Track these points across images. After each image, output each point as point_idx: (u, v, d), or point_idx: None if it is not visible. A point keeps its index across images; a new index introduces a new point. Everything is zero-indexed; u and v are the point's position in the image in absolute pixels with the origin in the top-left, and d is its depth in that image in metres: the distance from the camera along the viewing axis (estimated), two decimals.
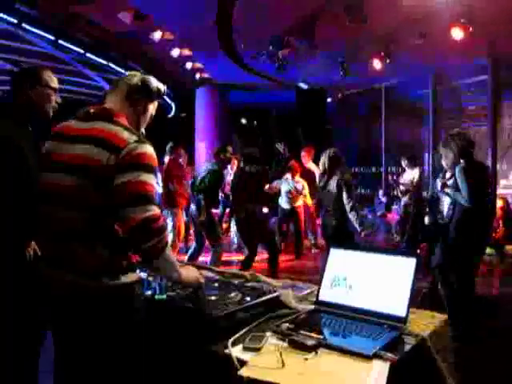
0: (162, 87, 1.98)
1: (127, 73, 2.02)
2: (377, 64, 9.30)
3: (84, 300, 1.71)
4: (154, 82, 1.94)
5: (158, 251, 1.69)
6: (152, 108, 1.98)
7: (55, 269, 1.76)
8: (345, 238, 4.87)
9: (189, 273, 1.91)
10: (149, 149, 1.74)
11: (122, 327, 1.75)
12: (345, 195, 4.87)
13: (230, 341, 1.68)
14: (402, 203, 7.82)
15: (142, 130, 1.97)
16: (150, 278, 2.20)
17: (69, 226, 1.72)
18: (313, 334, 1.71)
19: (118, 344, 1.75)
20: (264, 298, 2.01)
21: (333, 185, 4.97)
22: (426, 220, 6.09)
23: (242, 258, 6.41)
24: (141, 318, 1.81)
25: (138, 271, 1.84)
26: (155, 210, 1.69)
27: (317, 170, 6.99)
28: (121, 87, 1.89)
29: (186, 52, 9.59)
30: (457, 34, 7.69)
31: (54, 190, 1.76)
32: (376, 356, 1.55)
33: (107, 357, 1.74)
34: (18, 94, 2.44)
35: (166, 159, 7.90)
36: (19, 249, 2.24)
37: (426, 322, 1.89)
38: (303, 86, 11.85)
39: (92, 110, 1.84)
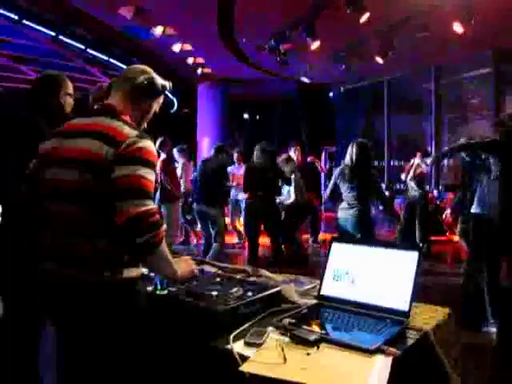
0: (168, 84, 1.97)
1: (130, 67, 1.99)
2: (379, 58, 9.27)
3: (85, 295, 1.70)
4: (159, 81, 1.94)
5: (151, 247, 1.67)
6: (156, 106, 1.98)
7: (56, 264, 1.75)
8: (367, 229, 4.92)
9: (184, 268, 1.93)
10: (149, 144, 1.74)
11: (123, 322, 1.74)
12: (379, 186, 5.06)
13: (232, 336, 1.67)
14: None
15: (144, 125, 1.98)
16: (152, 274, 2.19)
17: (70, 220, 1.72)
18: (315, 329, 1.70)
19: (119, 339, 1.74)
20: (266, 293, 1.99)
21: (359, 177, 4.95)
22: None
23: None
24: (143, 314, 1.81)
25: (140, 266, 1.83)
26: (151, 205, 1.68)
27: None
28: (125, 85, 1.89)
29: (187, 47, 9.57)
30: (459, 27, 7.66)
31: (55, 185, 1.76)
32: (378, 351, 1.53)
33: (108, 351, 1.73)
34: (51, 99, 2.66)
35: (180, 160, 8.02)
36: (19, 245, 2.23)
37: (428, 316, 1.88)
38: (305, 80, 11.80)
39: (95, 106, 1.87)
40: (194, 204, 6.52)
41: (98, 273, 1.69)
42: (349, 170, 4.98)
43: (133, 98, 1.88)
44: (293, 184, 6.70)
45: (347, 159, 5.03)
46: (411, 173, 7.79)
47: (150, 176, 1.71)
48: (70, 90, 2.77)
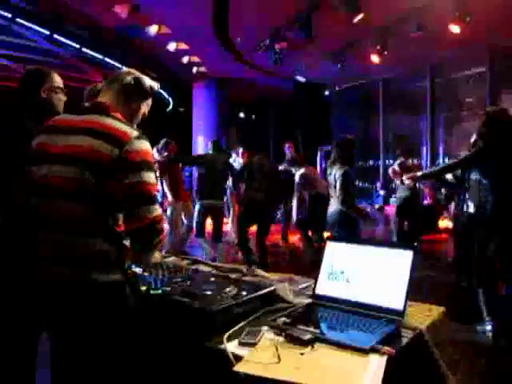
0: (156, 85, 2.01)
1: (123, 69, 2.07)
2: (374, 57, 9.28)
3: (73, 294, 1.72)
4: (147, 81, 1.98)
5: (158, 247, 1.86)
6: (145, 107, 2.01)
7: (45, 263, 1.76)
8: (349, 225, 4.87)
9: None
10: (149, 146, 1.81)
11: (110, 323, 1.75)
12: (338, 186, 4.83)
13: (226, 336, 1.67)
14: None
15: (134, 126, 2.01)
16: (146, 274, 2.19)
17: (66, 217, 1.72)
18: (309, 328, 1.69)
19: (105, 340, 1.75)
20: (260, 292, 1.99)
21: (338, 173, 4.91)
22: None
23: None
24: (131, 315, 1.83)
25: (132, 267, 1.89)
26: (160, 210, 1.81)
27: None
28: (114, 86, 1.92)
29: (183, 46, 9.57)
30: (454, 26, 7.68)
31: (49, 182, 1.74)
32: (373, 350, 1.53)
33: (95, 352, 1.74)
34: (32, 95, 2.47)
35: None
36: (12, 245, 2.20)
37: (423, 315, 1.88)
38: (300, 79, 11.81)
39: (86, 104, 1.89)
40: (200, 200, 6.51)
41: (86, 272, 1.70)
42: (329, 167, 5.05)
43: (121, 98, 1.90)
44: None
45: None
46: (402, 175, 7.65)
47: (154, 180, 1.80)
48: (57, 84, 2.54)
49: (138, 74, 1.98)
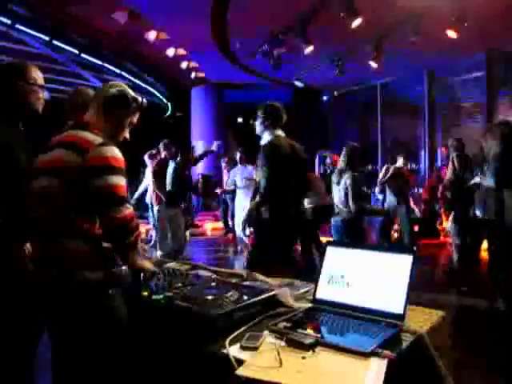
0: (140, 99, 2.10)
1: (110, 82, 2.16)
2: (372, 62, 9.31)
3: (54, 292, 1.83)
4: (131, 94, 2.07)
5: (135, 244, 1.93)
6: (130, 120, 2.09)
7: (34, 263, 1.93)
8: (358, 233, 4.92)
9: (144, 261, 2.21)
10: (116, 151, 1.89)
11: (92, 321, 1.83)
12: (350, 192, 4.93)
13: (228, 340, 1.67)
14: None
15: (126, 135, 2.11)
16: (148, 279, 2.21)
17: (42, 220, 1.89)
18: (310, 333, 1.70)
19: (91, 338, 1.82)
20: (261, 297, 2.00)
21: (346, 181, 4.98)
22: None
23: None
24: (119, 316, 1.91)
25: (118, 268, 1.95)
26: (131, 209, 1.90)
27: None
28: (98, 99, 2.03)
29: (181, 51, 9.59)
30: (452, 30, 7.71)
31: (35, 191, 1.92)
32: (374, 353, 1.54)
33: (83, 349, 1.83)
34: (5, 92, 2.27)
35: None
36: (7, 249, 2.18)
37: (423, 319, 1.89)
38: (298, 84, 11.84)
39: (70, 123, 2.07)
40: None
41: (62, 272, 1.81)
42: (337, 173, 5.12)
43: (105, 109, 2.00)
44: None
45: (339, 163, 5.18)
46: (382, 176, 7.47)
47: (122, 181, 1.88)
48: (36, 80, 2.31)
49: (122, 85, 2.07)
